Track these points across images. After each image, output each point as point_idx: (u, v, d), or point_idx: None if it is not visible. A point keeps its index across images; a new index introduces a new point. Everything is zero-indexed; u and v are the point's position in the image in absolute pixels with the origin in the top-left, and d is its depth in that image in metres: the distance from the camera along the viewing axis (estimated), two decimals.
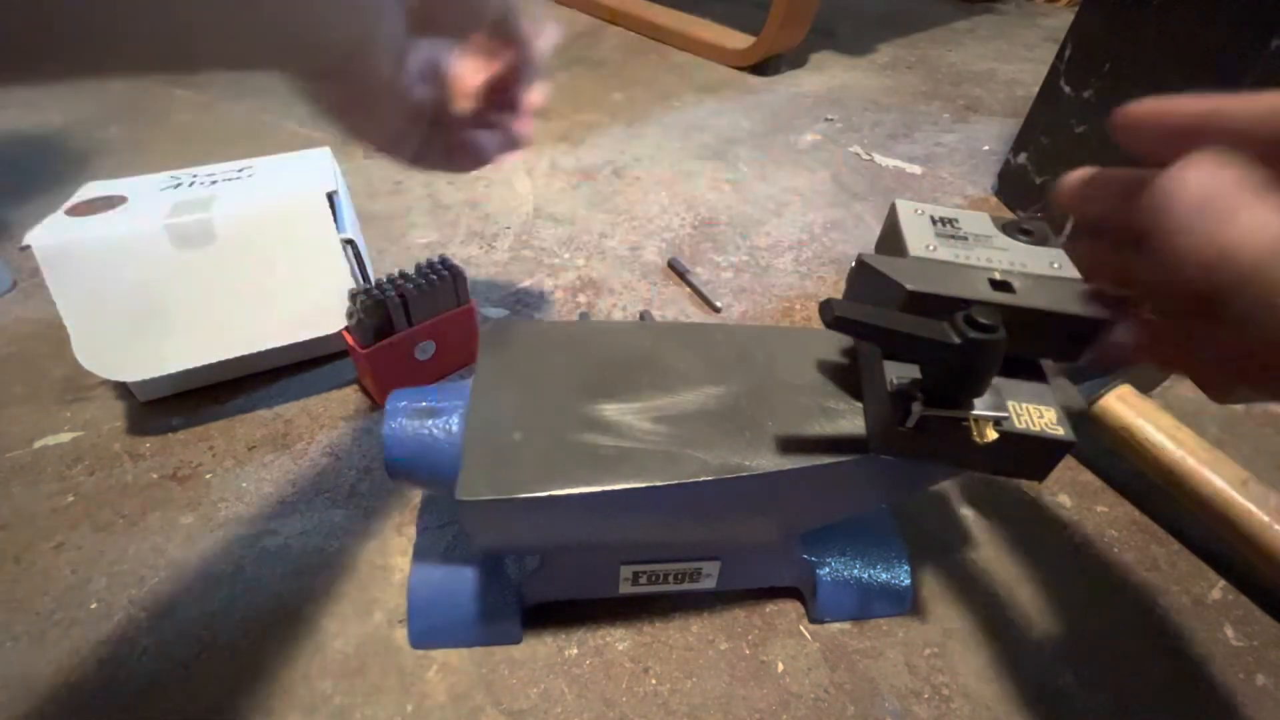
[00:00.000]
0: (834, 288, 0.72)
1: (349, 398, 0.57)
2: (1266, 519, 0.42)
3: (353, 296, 0.52)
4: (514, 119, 0.36)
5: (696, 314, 0.67)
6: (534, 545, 0.39)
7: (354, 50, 0.25)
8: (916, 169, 0.94)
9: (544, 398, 0.34)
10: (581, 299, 0.68)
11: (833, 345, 0.37)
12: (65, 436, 0.53)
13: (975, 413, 0.27)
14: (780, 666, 0.41)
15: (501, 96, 0.34)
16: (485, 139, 0.35)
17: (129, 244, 0.48)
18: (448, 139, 0.33)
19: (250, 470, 0.51)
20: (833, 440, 0.32)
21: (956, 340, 0.24)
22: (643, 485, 0.30)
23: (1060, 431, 0.27)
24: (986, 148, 1.00)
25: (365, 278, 0.56)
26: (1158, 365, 0.25)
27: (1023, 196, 0.82)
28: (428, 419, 0.35)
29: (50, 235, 0.46)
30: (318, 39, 0.23)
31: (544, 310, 0.67)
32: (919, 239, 0.30)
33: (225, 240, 0.50)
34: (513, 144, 0.36)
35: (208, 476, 0.50)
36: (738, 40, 1.22)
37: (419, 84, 0.29)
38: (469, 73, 0.31)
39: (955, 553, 0.47)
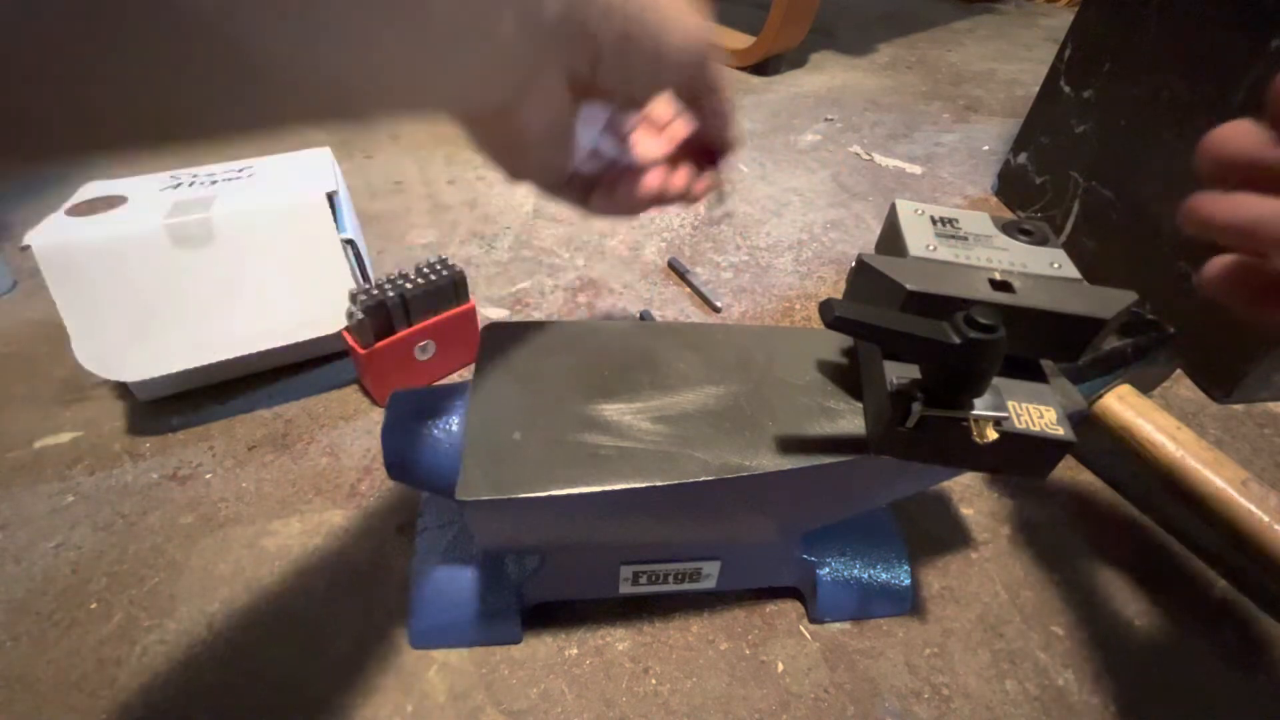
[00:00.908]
0: (834, 288, 0.72)
1: (349, 398, 0.57)
2: (1266, 519, 0.42)
3: (353, 296, 0.52)
4: (696, 177, 0.32)
5: (696, 314, 0.67)
6: (534, 545, 0.39)
7: (503, 107, 0.22)
8: (916, 169, 0.94)
9: (544, 398, 0.34)
10: (581, 299, 0.68)
11: (833, 345, 0.37)
12: (65, 436, 0.53)
13: (975, 413, 0.27)
14: (780, 666, 0.41)
15: (687, 156, 0.32)
16: (650, 195, 0.31)
17: (129, 244, 0.48)
18: (613, 189, 0.30)
19: (250, 470, 0.51)
20: (833, 440, 0.32)
21: (956, 340, 0.24)
22: (643, 485, 0.30)
23: (1060, 431, 0.27)
24: (986, 148, 1.00)
25: (365, 278, 0.56)
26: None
27: (1022, 196, 0.82)
28: (428, 419, 0.35)
29: (50, 235, 0.46)
30: (467, 93, 0.21)
31: (544, 310, 0.67)
32: (919, 239, 0.30)
33: (225, 240, 0.50)
34: (682, 199, 0.32)
35: (208, 476, 0.50)
36: (738, 40, 1.22)
37: (588, 158, 0.29)
38: (650, 149, 0.30)
39: (955, 553, 0.47)
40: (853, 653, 0.42)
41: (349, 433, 0.54)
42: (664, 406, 0.34)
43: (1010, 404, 0.28)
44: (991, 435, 0.27)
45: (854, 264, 0.30)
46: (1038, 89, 0.79)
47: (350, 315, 0.52)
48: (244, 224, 0.50)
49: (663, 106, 0.31)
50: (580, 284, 0.70)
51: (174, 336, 0.50)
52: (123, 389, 0.56)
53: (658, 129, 0.31)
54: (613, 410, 0.33)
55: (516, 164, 0.26)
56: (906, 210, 0.32)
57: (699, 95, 0.27)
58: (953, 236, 0.30)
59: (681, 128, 0.31)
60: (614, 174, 0.30)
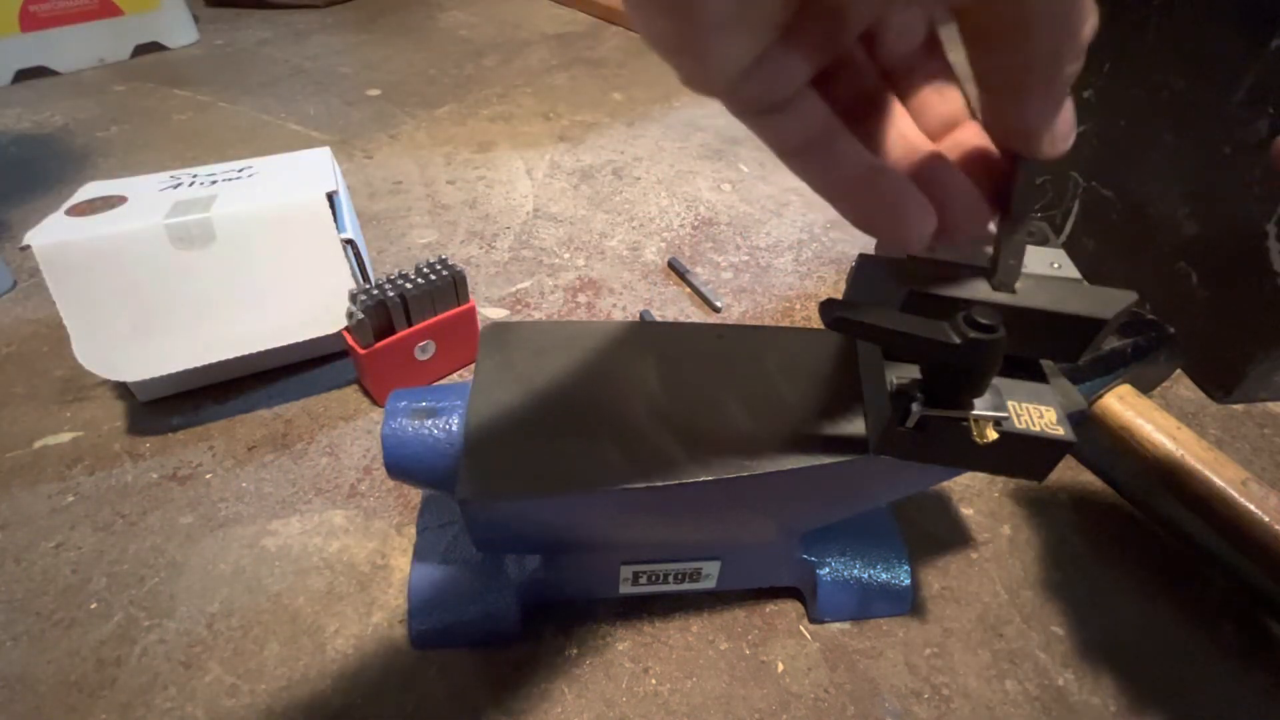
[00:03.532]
0: (834, 288, 0.72)
1: (349, 398, 0.57)
2: (1266, 519, 0.42)
3: (353, 296, 0.52)
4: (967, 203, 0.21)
5: (696, 314, 0.67)
6: (534, 545, 0.39)
7: None
8: None
9: (544, 398, 0.34)
10: (581, 299, 0.68)
11: (833, 345, 0.37)
12: (65, 436, 0.53)
13: (975, 413, 0.27)
14: (780, 666, 0.41)
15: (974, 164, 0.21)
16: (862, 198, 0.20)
17: (129, 244, 0.48)
18: (825, 159, 0.20)
19: (250, 470, 0.51)
20: (833, 440, 0.32)
21: (956, 340, 0.24)
22: (643, 485, 0.30)
23: (1060, 431, 0.27)
24: None
25: (365, 278, 0.56)
26: None
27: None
28: (428, 419, 0.35)
29: (50, 235, 0.46)
30: None
31: (544, 310, 0.67)
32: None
33: (225, 240, 0.50)
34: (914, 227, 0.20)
35: (208, 476, 0.50)
36: None
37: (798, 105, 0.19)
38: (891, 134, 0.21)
39: (955, 553, 0.47)
40: (853, 653, 0.42)
41: (349, 433, 0.54)
42: (664, 406, 0.34)
43: (1010, 404, 0.28)
44: (991, 435, 0.27)
45: (854, 263, 0.30)
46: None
47: (350, 315, 0.52)
48: (244, 224, 0.50)
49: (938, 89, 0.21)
50: (580, 284, 0.70)
51: (174, 336, 0.50)
52: (123, 389, 0.56)
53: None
54: (612, 410, 0.33)
55: (687, 43, 0.16)
56: None
57: (987, 39, 0.17)
58: None
59: (944, 99, 0.21)
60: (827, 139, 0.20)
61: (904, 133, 0.21)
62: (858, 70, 0.21)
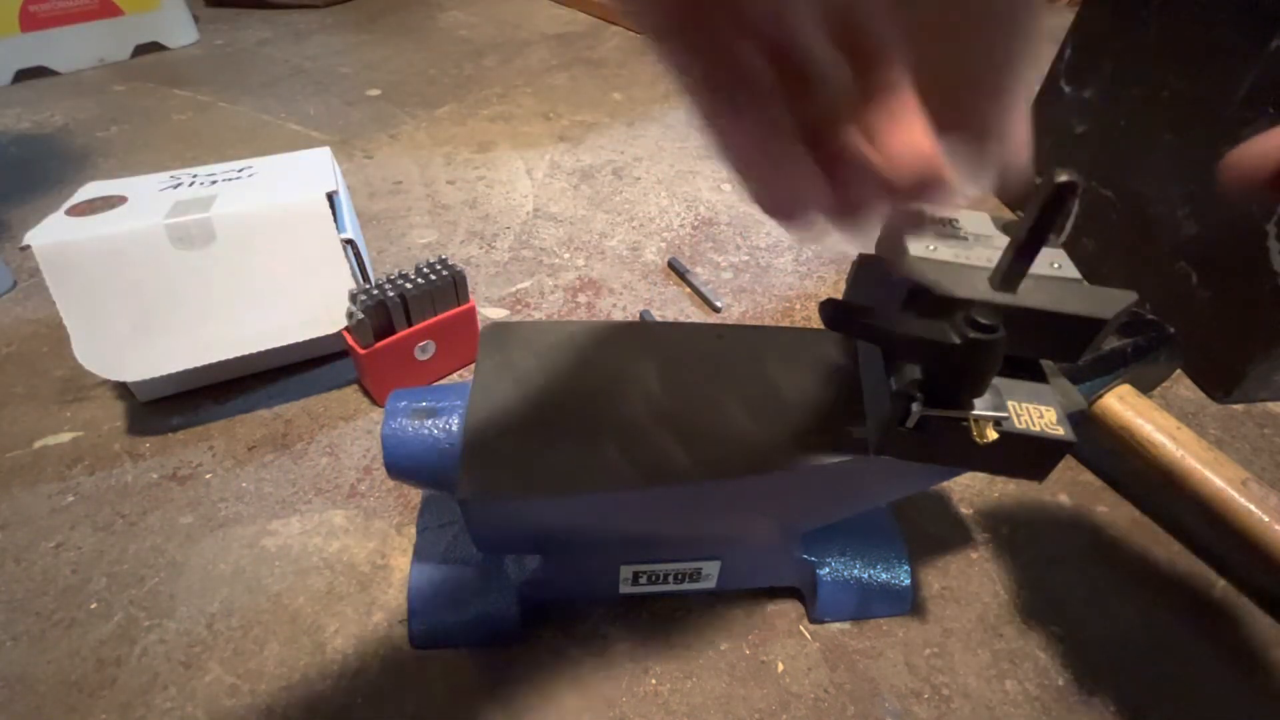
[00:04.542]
0: (834, 288, 0.72)
1: (349, 398, 0.57)
2: (1266, 519, 0.42)
3: (353, 296, 0.52)
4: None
5: (696, 314, 0.67)
6: (534, 545, 0.39)
7: None
8: None
9: (544, 398, 0.34)
10: (581, 299, 0.68)
11: (833, 345, 0.37)
12: (65, 436, 0.53)
13: (975, 413, 0.27)
14: (780, 666, 0.41)
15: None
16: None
17: (129, 244, 0.48)
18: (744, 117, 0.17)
19: (250, 470, 0.51)
20: (833, 440, 0.32)
21: (956, 340, 0.24)
22: (643, 486, 0.30)
23: (1060, 431, 0.27)
24: None
25: (365, 278, 0.56)
26: None
27: (1023, 196, 0.82)
28: (428, 419, 0.35)
29: (50, 235, 0.46)
30: None
31: (544, 310, 0.67)
32: (919, 239, 0.30)
33: (225, 240, 0.50)
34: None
35: (208, 476, 0.50)
36: None
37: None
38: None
39: (955, 553, 0.47)
40: (853, 653, 0.42)
41: (349, 433, 0.54)
42: (664, 406, 0.34)
43: (1010, 404, 0.28)
44: (991, 435, 0.27)
45: (854, 263, 0.30)
46: (1038, 89, 0.79)
47: (350, 315, 0.52)
48: (244, 224, 0.50)
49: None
50: (580, 284, 0.70)
51: (174, 336, 0.50)
52: (123, 389, 0.56)
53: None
54: (612, 410, 0.33)
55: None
56: None
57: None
58: (953, 236, 0.30)
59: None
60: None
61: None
62: None
